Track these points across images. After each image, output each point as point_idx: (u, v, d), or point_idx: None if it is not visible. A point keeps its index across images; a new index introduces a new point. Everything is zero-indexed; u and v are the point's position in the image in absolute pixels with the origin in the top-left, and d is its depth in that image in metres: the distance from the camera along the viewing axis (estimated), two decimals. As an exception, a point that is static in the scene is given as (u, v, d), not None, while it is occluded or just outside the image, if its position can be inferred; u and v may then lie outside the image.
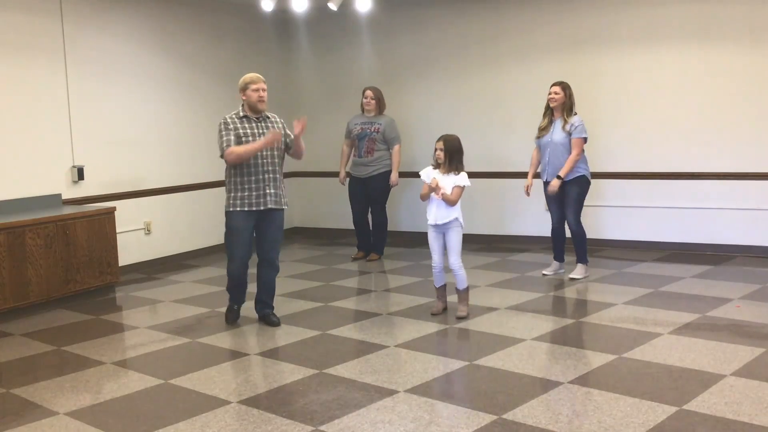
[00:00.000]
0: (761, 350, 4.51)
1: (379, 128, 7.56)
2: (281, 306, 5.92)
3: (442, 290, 5.62)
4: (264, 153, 5.20)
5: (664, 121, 7.44)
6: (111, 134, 7.29)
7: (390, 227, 8.07)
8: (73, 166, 6.96)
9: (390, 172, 7.65)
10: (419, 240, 7.44)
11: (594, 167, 7.35)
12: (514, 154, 8.03)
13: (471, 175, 5.50)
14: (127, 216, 7.33)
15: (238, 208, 5.20)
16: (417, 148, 8.27)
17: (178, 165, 7.96)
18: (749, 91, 7.05)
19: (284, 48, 9.37)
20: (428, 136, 5.63)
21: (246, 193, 5.19)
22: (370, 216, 7.87)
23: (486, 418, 3.66)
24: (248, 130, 5.19)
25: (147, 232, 7.67)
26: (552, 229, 6.69)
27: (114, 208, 6.68)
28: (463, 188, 5.38)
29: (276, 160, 5.29)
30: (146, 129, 7.64)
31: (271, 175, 5.24)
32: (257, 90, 5.18)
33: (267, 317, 5.49)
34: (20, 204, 6.49)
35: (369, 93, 7.62)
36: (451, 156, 5.36)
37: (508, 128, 8.14)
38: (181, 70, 7.99)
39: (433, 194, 5.35)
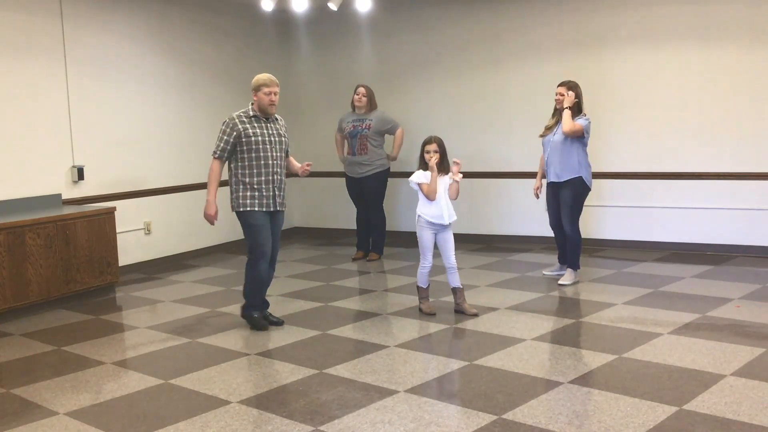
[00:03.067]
0: (761, 350, 4.51)
1: (370, 125, 7.55)
2: (281, 306, 5.92)
3: (427, 290, 5.63)
4: (273, 155, 5.24)
5: (664, 121, 7.44)
6: (111, 134, 7.29)
7: (389, 227, 8.06)
8: (73, 166, 6.96)
9: (383, 172, 7.66)
10: (419, 240, 7.44)
11: (594, 167, 7.35)
12: (513, 154, 8.03)
13: (471, 175, 5.52)
14: (127, 216, 7.33)
15: (249, 208, 5.22)
16: (415, 147, 8.21)
17: (178, 165, 7.96)
18: (749, 91, 7.05)
19: (284, 48, 9.37)
20: (427, 136, 5.62)
21: (257, 194, 5.21)
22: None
23: (486, 418, 3.66)
24: (257, 130, 5.21)
25: (147, 232, 7.67)
26: (553, 231, 6.66)
27: (114, 208, 6.67)
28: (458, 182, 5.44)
29: (282, 163, 5.33)
30: (146, 129, 7.64)
31: (279, 177, 5.28)
32: (269, 94, 5.19)
33: (269, 317, 5.49)
34: (20, 204, 6.49)
35: (362, 90, 7.59)
36: (443, 156, 5.40)
37: (507, 128, 8.13)
38: (181, 70, 7.99)
39: (442, 193, 5.33)
